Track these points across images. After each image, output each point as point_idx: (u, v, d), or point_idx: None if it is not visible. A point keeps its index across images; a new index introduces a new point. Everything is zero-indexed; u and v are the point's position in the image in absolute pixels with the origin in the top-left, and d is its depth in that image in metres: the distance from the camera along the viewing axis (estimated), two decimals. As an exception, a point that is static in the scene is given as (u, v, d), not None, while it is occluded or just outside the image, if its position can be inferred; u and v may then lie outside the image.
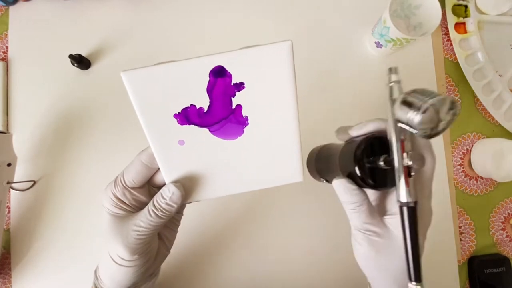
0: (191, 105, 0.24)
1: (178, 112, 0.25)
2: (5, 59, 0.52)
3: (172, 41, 0.53)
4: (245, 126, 0.25)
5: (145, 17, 0.53)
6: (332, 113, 0.52)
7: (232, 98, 0.24)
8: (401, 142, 0.25)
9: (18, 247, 0.48)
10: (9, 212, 0.48)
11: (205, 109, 0.24)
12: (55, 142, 0.50)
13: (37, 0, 0.52)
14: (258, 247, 0.49)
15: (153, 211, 0.27)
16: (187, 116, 0.25)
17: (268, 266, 0.49)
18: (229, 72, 0.23)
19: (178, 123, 0.25)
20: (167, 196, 0.26)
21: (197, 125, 0.25)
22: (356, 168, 0.26)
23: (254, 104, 0.25)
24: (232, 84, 0.24)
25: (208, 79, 0.23)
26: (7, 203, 0.48)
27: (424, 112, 0.21)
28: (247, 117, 0.25)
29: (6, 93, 0.51)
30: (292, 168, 0.28)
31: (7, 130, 0.50)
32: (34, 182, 0.49)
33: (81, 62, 0.49)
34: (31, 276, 0.47)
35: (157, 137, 0.26)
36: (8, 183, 0.45)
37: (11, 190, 0.48)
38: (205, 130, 0.25)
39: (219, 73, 0.23)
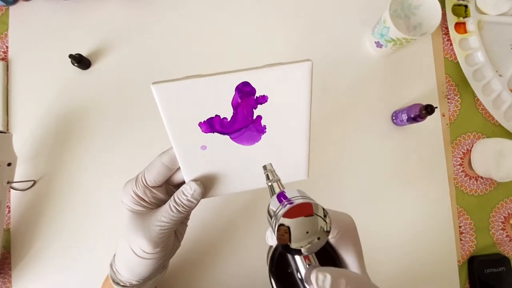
0: (216, 115, 0.26)
1: (203, 121, 0.26)
2: (5, 59, 0.52)
3: (172, 40, 0.52)
4: (263, 134, 0.28)
5: (145, 17, 0.53)
6: (332, 113, 0.52)
7: (254, 109, 0.26)
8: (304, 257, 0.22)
9: (18, 247, 0.48)
10: (9, 212, 0.48)
11: (228, 119, 0.26)
12: (55, 142, 0.50)
13: (37, 0, 0.52)
14: (257, 245, 0.49)
15: (174, 207, 0.29)
16: (211, 125, 0.27)
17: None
18: (254, 88, 0.25)
19: (202, 131, 0.27)
20: (189, 193, 0.28)
21: (220, 133, 0.27)
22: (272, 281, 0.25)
23: (273, 115, 0.27)
24: (255, 97, 0.26)
25: (234, 93, 0.25)
26: (7, 203, 0.48)
27: (278, 231, 0.19)
28: (265, 126, 0.27)
29: (6, 93, 0.51)
30: (299, 168, 0.30)
31: (7, 130, 0.50)
32: (34, 182, 0.49)
33: (81, 62, 0.49)
34: (31, 276, 0.47)
35: (181, 143, 0.27)
36: (8, 183, 0.45)
37: (11, 190, 0.48)
38: (226, 137, 0.27)
39: (244, 87, 0.25)
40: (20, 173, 0.49)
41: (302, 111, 0.27)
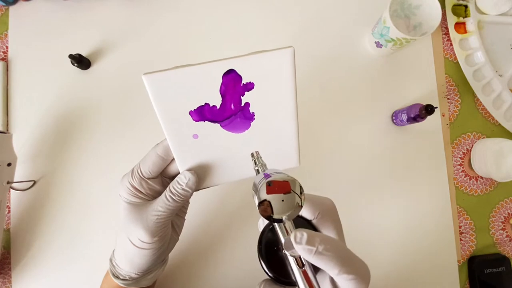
0: (205, 103, 0.27)
1: (193, 110, 0.27)
2: (5, 59, 0.52)
3: (172, 39, 0.52)
4: (252, 121, 0.28)
5: (145, 17, 0.53)
6: (332, 113, 0.52)
7: (241, 96, 0.27)
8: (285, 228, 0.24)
9: (18, 247, 0.48)
10: (9, 212, 0.48)
11: (218, 107, 0.27)
12: (55, 142, 0.50)
13: (37, 0, 0.53)
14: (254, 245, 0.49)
15: (170, 196, 0.29)
16: (202, 113, 0.27)
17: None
18: (240, 75, 0.26)
19: (193, 119, 0.27)
20: (183, 182, 0.29)
21: (210, 121, 0.28)
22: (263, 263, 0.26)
23: (260, 101, 0.28)
24: (242, 84, 0.26)
25: (221, 80, 0.26)
26: (7, 203, 0.48)
27: (261, 205, 0.21)
28: (253, 113, 0.28)
29: (6, 93, 0.51)
30: (290, 155, 0.31)
31: (7, 130, 0.50)
32: (34, 182, 0.49)
33: (81, 62, 0.49)
34: (31, 276, 0.47)
35: (174, 132, 0.28)
36: (8, 183, 0.45)
37: (11, 190, 0.48)
38: (217, 125, 0.28)
39: (231, 75, 0.26)
40: (20, 173, 0.49)
41: (288, 97, 0.28)
